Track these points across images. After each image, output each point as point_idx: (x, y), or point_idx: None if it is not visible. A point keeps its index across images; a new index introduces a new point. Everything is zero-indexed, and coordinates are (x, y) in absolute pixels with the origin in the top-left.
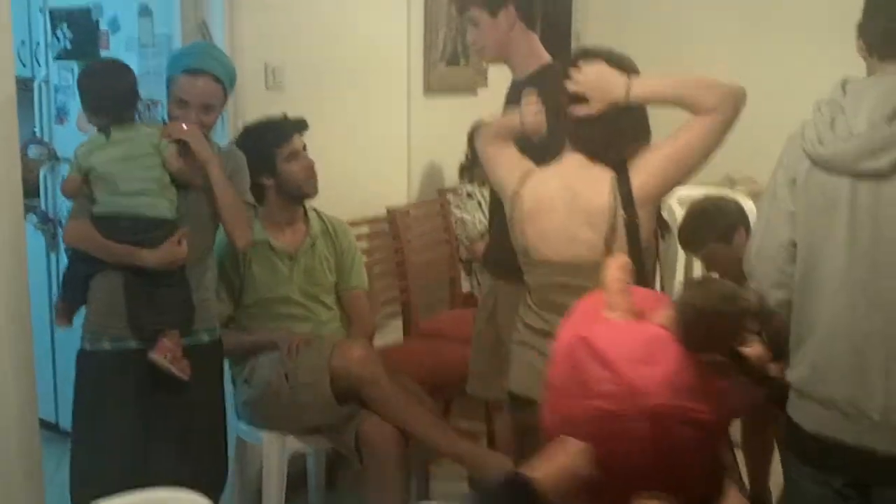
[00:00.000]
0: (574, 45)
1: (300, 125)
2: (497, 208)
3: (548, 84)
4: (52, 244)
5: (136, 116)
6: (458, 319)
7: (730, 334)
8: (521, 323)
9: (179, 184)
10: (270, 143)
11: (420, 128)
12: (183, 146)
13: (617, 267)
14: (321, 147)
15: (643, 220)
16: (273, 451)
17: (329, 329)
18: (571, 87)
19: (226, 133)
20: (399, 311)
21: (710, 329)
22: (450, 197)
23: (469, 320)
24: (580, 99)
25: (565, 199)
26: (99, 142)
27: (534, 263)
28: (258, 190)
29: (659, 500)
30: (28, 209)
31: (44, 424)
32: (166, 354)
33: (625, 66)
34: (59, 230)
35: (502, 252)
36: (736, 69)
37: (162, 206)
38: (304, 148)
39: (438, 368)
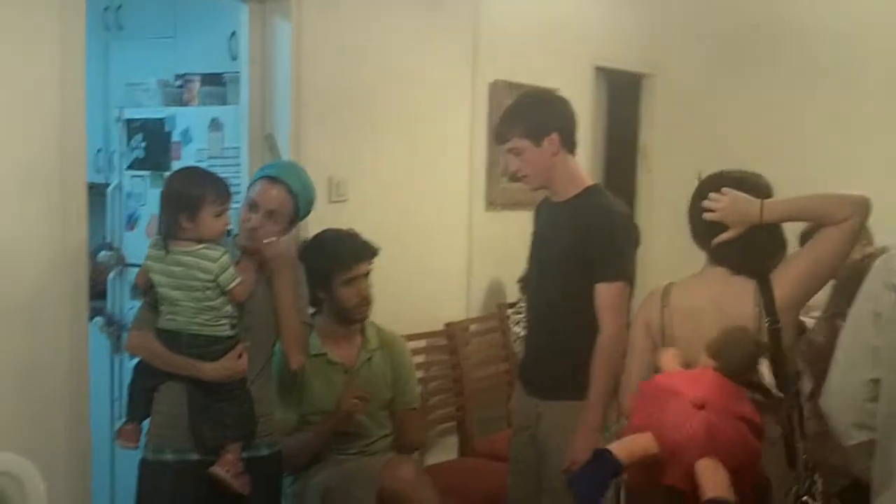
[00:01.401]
0: (640, 160)
1: (369, 253)
2: (538, 322)
3: (588, 207)
4: (116, 347)
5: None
6: None
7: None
8: None
9: (239, 301)
10: (333, 265)
11: (481, 242)
12: (250, 259)
13: (671, 356)
14: (381, 259)
15: (785, 326)
16: None
17: (382, 445)
18: (709, 216)
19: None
20: (454, 428)
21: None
22: (509, 312)
23: None
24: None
25: (712, 310)
26: (158, 254)
27: (683, 367)
28: (316, 301)
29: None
30: (95, 312)
31: None
32: (228, 469)
33: (759, 184)
34: (124, 334)
35: (544, 367)
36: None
37: (221, 327)
38: (367, 274)
39: (494, 490)
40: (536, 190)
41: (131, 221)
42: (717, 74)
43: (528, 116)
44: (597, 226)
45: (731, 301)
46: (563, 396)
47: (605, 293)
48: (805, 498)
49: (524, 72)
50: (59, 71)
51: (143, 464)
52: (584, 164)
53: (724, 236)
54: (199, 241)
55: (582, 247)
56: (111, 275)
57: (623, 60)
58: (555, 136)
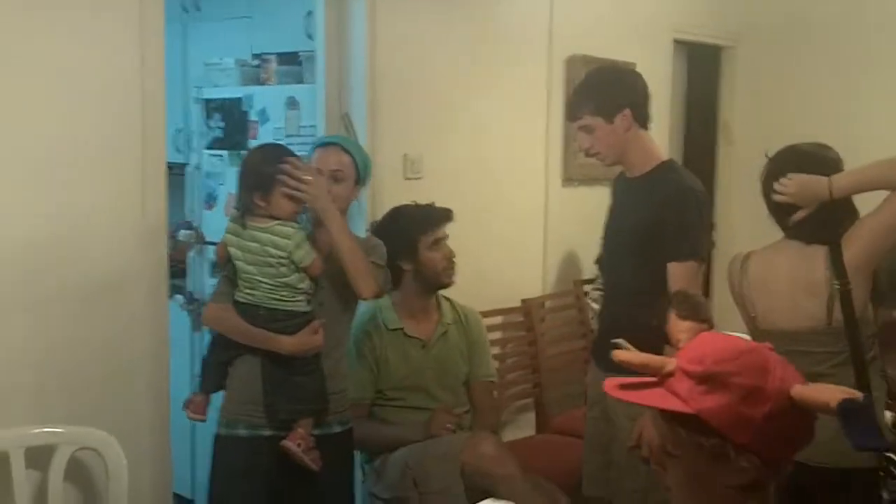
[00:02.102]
0: (720, 134)
1: (448, 215)
2: (610, 298)
3: (660, 183)
4: (196, 324)
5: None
6: None
7: None
8: None
9: (315, 275)
10: (416, 229)
11: (557, 218)
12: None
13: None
14: (457, 236)
15: (856, 286)
16: None
17: (461, 421)
18: (780, 199)
19: (362, 221)
20: (531, 404)
21: None
22: (587, 289)
23: None
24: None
25: (789, 275)
26: (236, 229)
27: (760, 333)
28: (396, 274)
29: None
30: (176, 290)
31: (180, 500)
32: (299, 443)
33: (827, 158)
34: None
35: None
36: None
37: (298, 302)
38: (446, 238)
39: (570, 466)
40: (611, 166)
41: (210, 201)
42: (797, 44)
43: (598, 93)
44: (669, 203)
45: (802, 270)
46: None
47: (677, 272)
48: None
49: (601, 46)
50: (139, 53)
51: (217, 439)
52: (663, 139)
53: (797, 216)
54: (273, 219)
55: (654, 224)
56: (191, 253)
57: (702, 32)
58: (627, 112)
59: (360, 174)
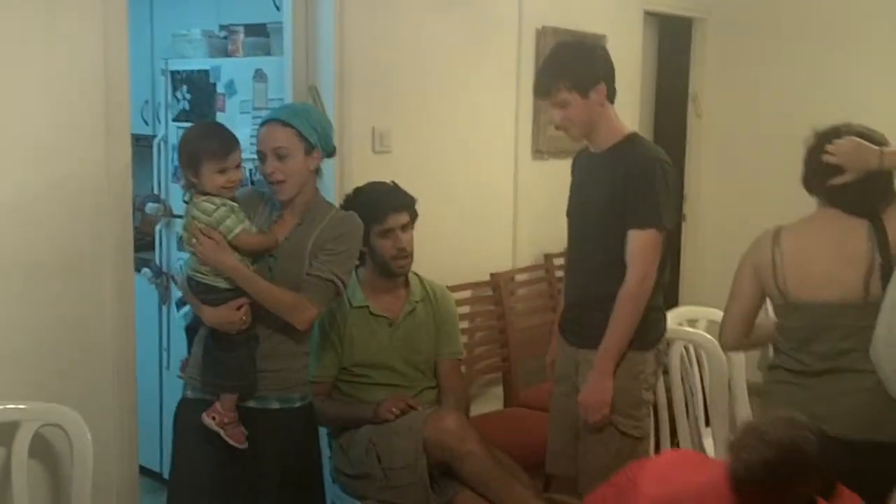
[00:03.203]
0: (691, 107)
1: (400, 205)
2: (576, 273)
3: (625, 155)
4: (164, 297)
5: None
6: None
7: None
8: (770, 368)
9: (245, 251)
10: (368, 216)
11: (527, 191)
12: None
13: None
14: (426, 210)
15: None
16: None
17: (426, 398)
18: (830, 159)
19: (330, 196)
20: (500, 379)
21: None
22: (556, 262)
23: None
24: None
25: (828, 246)
26: (186, 204)
27: (791, 307)
28: (360, 255)
29: None
30: (143, 263)
31: (148, 473)
32: (215, 417)
33: (875, 139)
34: (172, 284)
35: (582, 317)
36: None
37: (218, 278)
38: (406, 226)
39: (538, 440)
40: (578, 140)
41: (177, 173)
42: (768, 16)
43: (574, 67)
44: (633, 173)
45: (844, 239)
46: (595, 346)
47: (635, 239)
48: None
49: (571, 18)
50: (101, 23)
51: (179, 401)
52: (634, 112)
53: (840, 179)
54: (204, 194)
55: (619, 196)
56: (158, 226)
57: (673, 4)
58: (602, 87)
59: (314, 143)
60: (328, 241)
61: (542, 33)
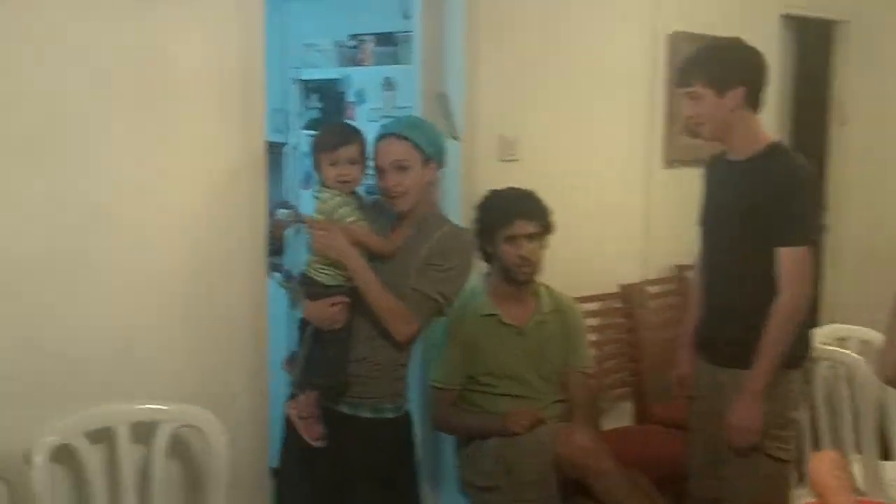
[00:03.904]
0: (834, 115)
1: (530, 213)
2: (714, 287)
3: (770, 167)
4: (294, 301)
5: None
6: None
7: None
8: None
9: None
10: (495, 219)
11: (658, 200)
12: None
13: (830, 462)
14: (553, 219)
15: None
16: None
17: (554, 411)
18: None
19: (457, 204)
20: (630, 394)
21: None
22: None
23: None
24: None
25: None
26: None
27: None
28: (487, 257)
29: None
30: (273, 267)
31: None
32: (295, 408)
33: None
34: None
35: (723, 334)
36: None
37: (323, 273)
38: (533, 236)
39: (670, 458)
40: (710, 141)
41: (307, 180)
42: None
43: (715, 64)
44: (778, 186)
45: None
46: (745, 365)
47: (786, 258)
48: None
49: (705, 22)
50: (240, 33)
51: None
52: (772, 118)
53: None
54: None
55: (762, 208)
56: (288, 231)
57: (813, 7)
58: (740, 91)
59: (429, 154)
60: (436, 256)
61: (673, 38)
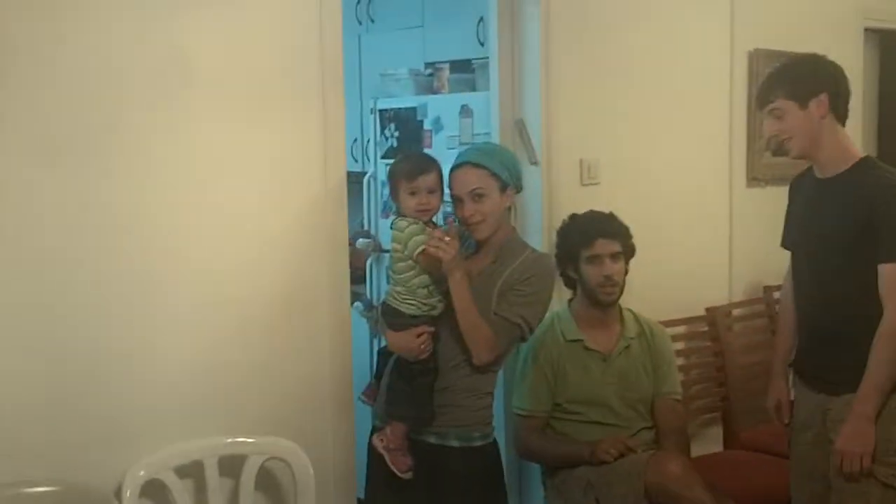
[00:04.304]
0: None
1: (610, 232)
2: (811, 310)
3: (864, 183)
4: (374, 331)
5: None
6: (784, 431)
7: None
8: None
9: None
10: (577, 241)
11: (743, 221)
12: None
13: None
14: (636, 242)
15: None
16: None
17: (642, 439)
18: None
19: (538, 230)
20: (718, 418)
21: None
22: (776, 295)
23: None
24: None
25: None
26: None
27: None
28: (570, 282)
29: None
30: (354, 297)
31: None
32: (382, 440)
33: None
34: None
35: (825, 359)
36: None
37: (407, 303)
38: (616, 256)
39: (761, 485)
40: (798, 158)
41: (386, 209)
42: None
43: (794, 76)
44: (875, 202)
45: None
46: (852, 390)
47: (889, 274)
48: None
49: (786, 38)
50: (319, 65)
51: (371, 429)
52: (856, 133)
53: None
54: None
55: (860, 226)
56: (369, 261)
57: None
58: (823, 98)
59: (505, 181)
60: (518, 282)
61: (754, 56)
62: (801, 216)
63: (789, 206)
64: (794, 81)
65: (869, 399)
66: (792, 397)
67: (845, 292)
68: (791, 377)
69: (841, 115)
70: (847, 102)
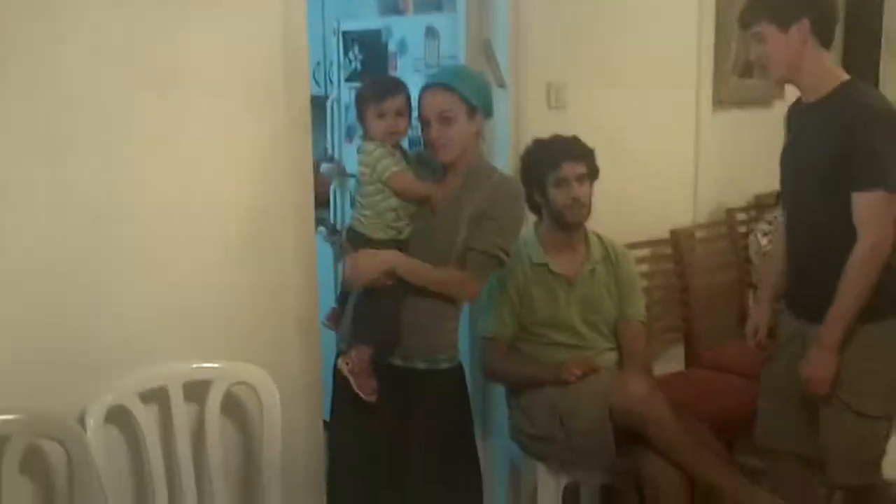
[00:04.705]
0: (884, 46)
1: (575, 153)
2: (798, 238)
3: (844, 106)
4: (339, 255)
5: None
6: (746, 351)
7: None
8: None
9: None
10: (542, 165)
11: (709, 144)
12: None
13: None
14: (602, 167)
15: None
16: (549, 485)
17: (606, 360)
18: None
19: (505, 153)
20: (680, 339)
21: None
22: (739, 217)
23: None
24: None
25: None
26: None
27: None
28: (535, 207)
29: None
30: (318, 222)
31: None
32: (347, 363)
33: None
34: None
35: (809, 287)
36: None
37: (373, 225)
38: (582, 177)
39: (723, 404)
40: (779, 83)
41: (350, 133)
42: None
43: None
44: (853, 126)
45: None
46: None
47: (862, 202)
48: None
49: None
50: None
51: (336, 354)
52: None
53: None
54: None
55: (838, 151)
56: (332, 185)
57: None
58: (804, 23)
59: (476, 106)
60: (488, 207)
61: None
62: (789, 144)
63: (785, 133)
64: (774, 5)
65: (835, 327)
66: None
67: (828, 221)
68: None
69: (825, 40)
70: (832, 26)
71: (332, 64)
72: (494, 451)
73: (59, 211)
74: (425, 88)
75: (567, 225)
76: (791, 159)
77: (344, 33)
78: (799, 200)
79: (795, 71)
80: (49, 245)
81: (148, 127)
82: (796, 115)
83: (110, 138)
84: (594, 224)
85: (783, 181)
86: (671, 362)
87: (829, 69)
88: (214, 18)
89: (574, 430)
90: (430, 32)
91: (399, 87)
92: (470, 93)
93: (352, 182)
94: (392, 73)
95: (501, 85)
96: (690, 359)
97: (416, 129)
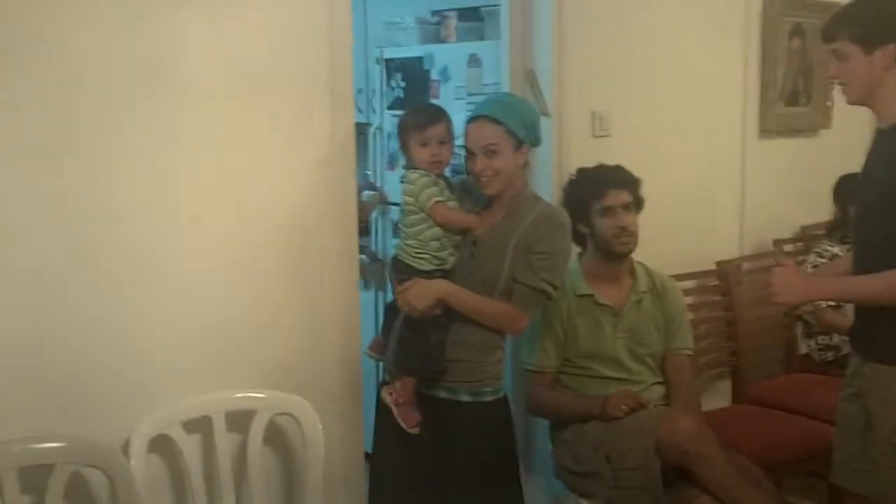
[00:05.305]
0: None
1: (622, 182)
2: (864, 265)
3: None
4: (380, 283)
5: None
6: (795, 385)
7: None
8: None
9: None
10: (587, 194)
11: (755, 173)
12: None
13: None
14: (647, 195)
15: None
16: None
17: (653, 394)
18: None
19: (549, 181)
20: (727, 373)
21: None
22: (787, 248)
23: (809, 387)
24: None
25: None
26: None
27: None
28: (580, 238)
29: None
30: (360, 250)
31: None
32: (391, 393)
33: None
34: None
35: (868, 323)
36: None
37: (420, 258)
38: (628, 206)
39: (771, 440)
40: (854, 104)
41: (392, 161)
42: None
43: (864, 19)
44: None
45: None
46: (882, 359)
47: None
48: None
49: None
50: (327, 15)
51: (379, 384)
52: None
53: None
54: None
55: None
56: (373, 213)
57: None
58: (890, 49)
59: (521, 137)
60: (535, 240)
61: (770, 2)
62: (862, 172)
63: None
64: (863, 24)
65: (851, 288)
66: None
67: (886, 251)
68: None
69: None
70: None
71: (374, 92)
72: (537, 487)
73: (105, 237)
74: (472, 120)
75: (615, 255)
76: (862, 188)
77: (386, 61)
78: (863, 231)
79: (873, 95)
80: (101, 278)
81: (193, 150)
82: (873, 140)
83: (154, 158)
84: (640, 254)
85: (857, 209)
86: (718, 397)
87: None
88: (263, 39)
89: (621, 466)
90: (473, 60)
91: (441, 114)
92: (517, 125)
93: (393, 210)
94: (434, 100)
95: (545, 113)
96: (737, 394)
97: (459, 157)
